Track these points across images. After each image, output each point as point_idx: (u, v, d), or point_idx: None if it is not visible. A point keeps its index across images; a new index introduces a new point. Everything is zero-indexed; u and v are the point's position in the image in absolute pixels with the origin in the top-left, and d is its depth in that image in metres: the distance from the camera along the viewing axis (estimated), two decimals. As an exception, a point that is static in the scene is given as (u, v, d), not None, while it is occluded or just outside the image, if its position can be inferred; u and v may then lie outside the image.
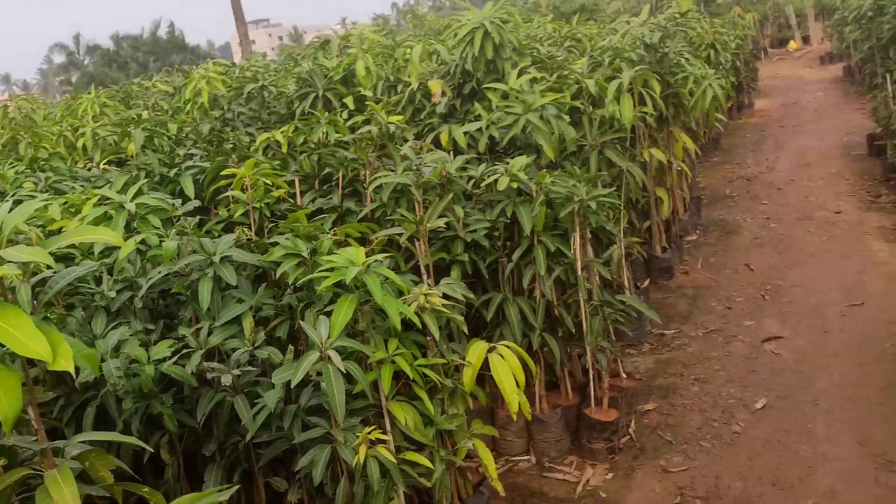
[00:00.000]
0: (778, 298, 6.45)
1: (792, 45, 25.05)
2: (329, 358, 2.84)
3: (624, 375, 5.02)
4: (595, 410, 4.52)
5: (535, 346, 4.43)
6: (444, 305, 3.56)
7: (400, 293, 3.38)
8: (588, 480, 4.32)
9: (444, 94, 5.83)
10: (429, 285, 3.72)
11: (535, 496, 4.29)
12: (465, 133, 5.29)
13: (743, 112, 15.14)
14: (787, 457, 4.25)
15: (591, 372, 4.51)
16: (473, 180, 4.62)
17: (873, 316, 5.80)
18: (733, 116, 14.50)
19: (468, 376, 3.49)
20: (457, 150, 5.29)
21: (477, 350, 3.54)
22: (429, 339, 3.52)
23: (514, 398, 3.42)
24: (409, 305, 3.37)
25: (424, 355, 3.51)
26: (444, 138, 5.35)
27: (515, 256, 4.47)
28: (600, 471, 4.40)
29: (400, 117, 5.12)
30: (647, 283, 6.98)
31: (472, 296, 3.90)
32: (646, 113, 6.00)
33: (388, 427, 3.29)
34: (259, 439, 3.05)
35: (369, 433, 3.04)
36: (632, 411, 4.92)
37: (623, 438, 4.63)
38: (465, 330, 3.66)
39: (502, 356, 3.53)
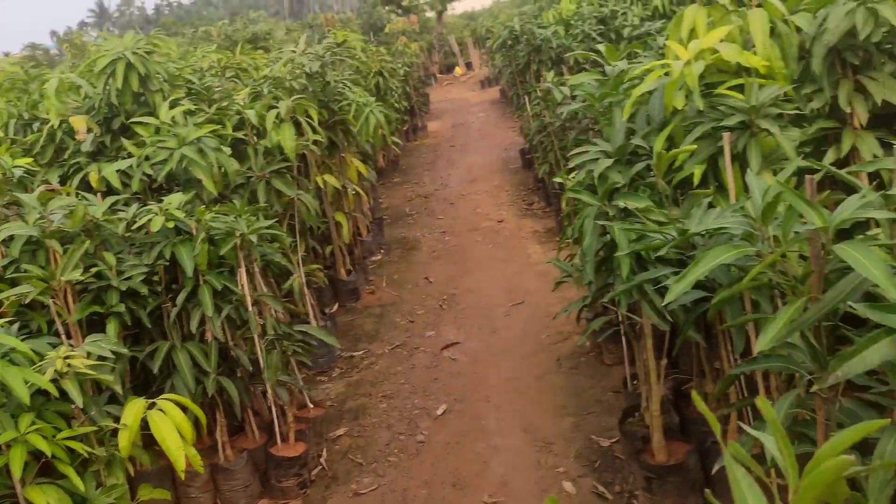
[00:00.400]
0: (454, 306, 6.92)
1: (458, 70, 27.44)
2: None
3: (311, 405, 4.99)
4: (281, 447, 4.41)
5: (211, 392, 4.21)
6: (93, 365, 3.22)
7: (32, 361, 2.99)
8: (281, 523, 4.20)
9: (89, 130, 5.34)
10: (71, 346, 3.35)
11: (226, 550, 4.06)
12: (117, 171, 4.89)
13: (418, 134, 16.17)
14: (466, 456, 4.53)
15: (273, 409, 4.40)
16: (126, 223, 4.28)
17: (531, 312, 6.48)
18: (410, 138, 15.41)
19: (124, 440, 3.17)
20: (111, 191, 4.86)
21: (133, 409, 3.24)
22: (73, 407, 3.14)
23: (179, 455, 3.18)
24: (46, 372, 2.99)
25: (71, 426, 3.13)
26: (93, 178, 4.90)
27: (180, 300, 4.21)
28: (294, 509, 4.31)
29: (28, 160, 4.56)
30: (335, 307, 7.07)
31: (124, 350, 3.59)
32: (311, 141, 6.06)
33: (30, 517, 2.87)
34: None
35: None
36: (323, 440, 4.90)
37: (315, 470, 4.59)
38: (119, 389, 3.35)
39: (163, 411, 3.28)
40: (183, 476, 3.22)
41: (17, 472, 2.74)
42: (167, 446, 3.19)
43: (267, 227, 4.30)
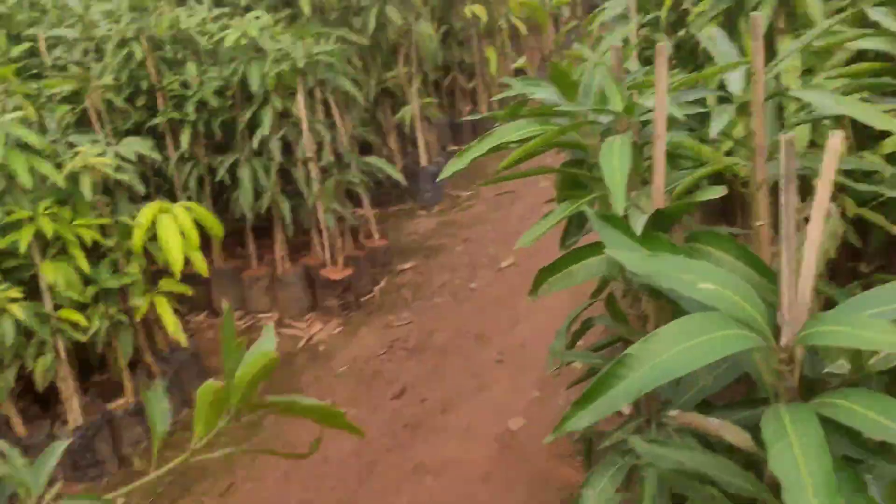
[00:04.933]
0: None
1: None
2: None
3: (377, 236, 5.12)
4: (329, 270, 4.64)
5: (265, 207, 4.51)
6: (118, 166, 3.57)
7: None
8: (314, 335, 4.51)
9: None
10: (108, 143, 3.71)
11: (264, 350, 4.49)
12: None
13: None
14: (502, 313, 4.45)
15: (323, 233, 4.60)
16: (209, 35, 4.52)
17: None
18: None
19: (137, 237, 3.53)
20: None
21: (148, 211, 3.57)
22: (97, 199, 3.53)
23: (176, 259, 3.50)
24: (65, 166, 3.39)
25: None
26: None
27: (247, 116, 4.44)
28: (332, 326, 4.58)
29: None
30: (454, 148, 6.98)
31: (157, 156, 3.90)
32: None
33: (45, 287, 3.37)
34: None
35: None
36: (386, 271, 5.06)
37: (365, 296, 4.80)
38: (141, 188, 3.71)
39: (175, 215, 3.58)
40: (177, 276, 3.55)
41: (22, 247, 3.20)
42: (168, 248, 3.51)
43: (326, 52, 4.27)
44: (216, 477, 3.46)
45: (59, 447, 1.17)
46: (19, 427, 3.43)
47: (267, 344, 1.18)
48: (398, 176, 4.87)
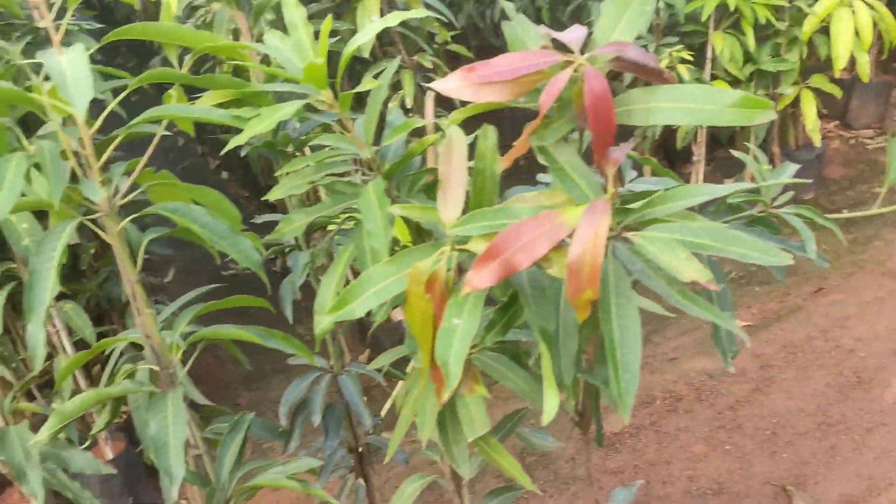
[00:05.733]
0: None
1: None
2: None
3: None
4: None
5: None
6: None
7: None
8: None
9: None
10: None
11: None
12: None
13: None
14: None
15: None
16: None
17: None
18: None
19: (809, 25, 3.51)
20: None
21: (828, 2, 3.47)
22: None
23: (841, 56, 3.39)
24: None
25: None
26: None
27: None
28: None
29: None
30: None
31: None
32: None
33: (709, 56, 3.68)
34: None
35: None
36: None
37: None
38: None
39: (855, 11, 3.42)
40: (836, 74, 3.45)
41: (704, 15, 3.48)
42: (837, 42, 3.41)
43: None
44: (808, 278, 3.56)
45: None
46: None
47: None
48: None
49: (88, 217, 1.18)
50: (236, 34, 1.57)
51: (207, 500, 1.44)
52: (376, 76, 2.67)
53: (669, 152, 4.30)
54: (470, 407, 1.27)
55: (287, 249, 1.96)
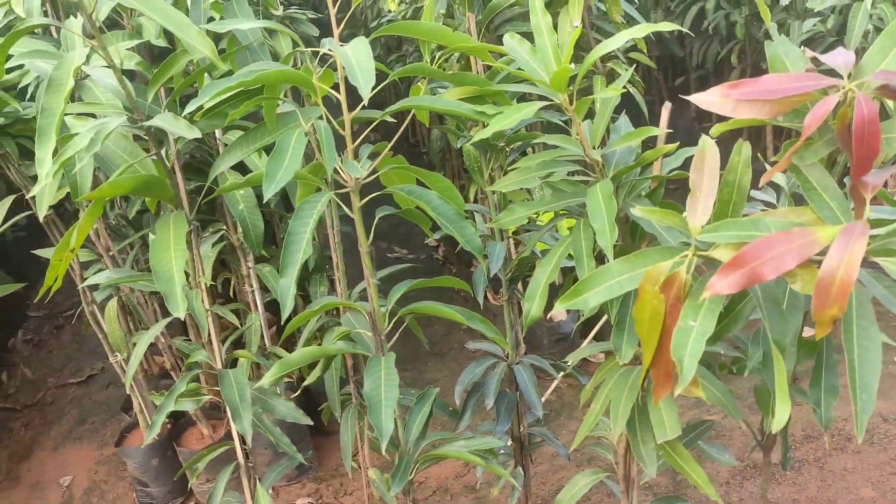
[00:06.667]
0: None
1: None
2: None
3: None
4: None
5: None
6: None
7: None
8: None
9: None
10: None
11: None
12: None
13: None
14: None
15: None
16: None
17: None
18: None
19: None
20: None
21: None
22: None
23: None
24: None
25: None
26: None
27: None
28: None
29: None
30: None
31: None
32: None
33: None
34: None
35: None
36: None
37: None
38: None
39: None
40: None
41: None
42: None
43: None
44: None
45: None
46: None
47: None
48: None
49: (337, 192, 1.32)
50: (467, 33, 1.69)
51: (399, 460, 1.56)
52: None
53: None
54: (662, 410, 1.31)
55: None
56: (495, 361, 2.07)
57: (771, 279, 0.86)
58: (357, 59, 1.07)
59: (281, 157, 1.10)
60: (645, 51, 3.06)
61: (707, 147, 0.95)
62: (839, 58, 0.91)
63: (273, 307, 3.13)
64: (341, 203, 1.33)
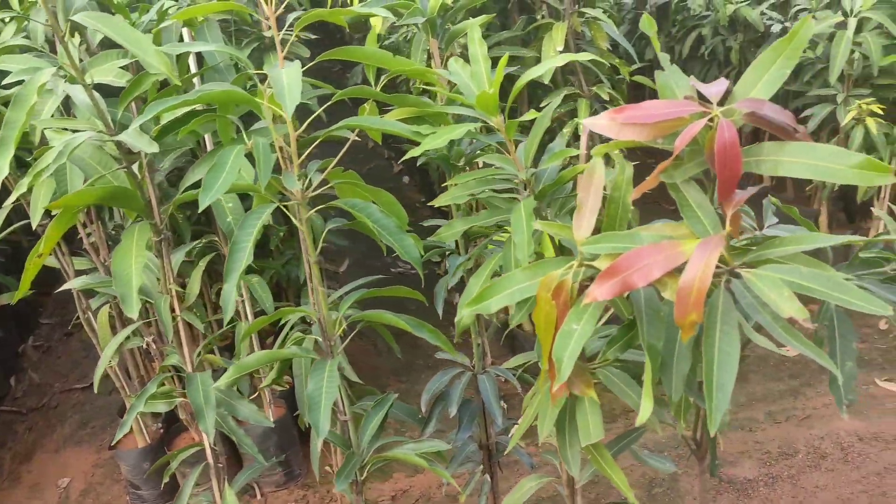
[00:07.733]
0: None
1: None
2: None
3: None
4: None
5: None
6: None
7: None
8: None
9: None
10: None
11: None
12: None
13: None
14: None
15: None
16: None
17: None
18: None
19: None
20: None
21: None
22: None
23: None
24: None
25: None
26: None
27: None
28: None
29: None
30: None
31: None
32: None
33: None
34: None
35: None
36: None
37: None
38: None
39: None
40: None
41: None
42: None
43: None
44: None
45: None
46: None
47: None
48: None
49: (284, 203, 1.42)
50: (430, 56, 1.78)
51: (346, 461, 1.64)
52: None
53: (850, 205, 4.10)
54: (588, 415, 1.38)
55: (448, 253, 2.15)
56: (461, 371, 2.14)
57: (641, 286, 0.93)
58: (288, 82, 1.17)
59: (219, 170, 1.20)
60: (627, 76, 3.13)
61: (596, 167, 1.03)
62: (713, 87, 0.99)
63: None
64: (289, 213, 1.43)
